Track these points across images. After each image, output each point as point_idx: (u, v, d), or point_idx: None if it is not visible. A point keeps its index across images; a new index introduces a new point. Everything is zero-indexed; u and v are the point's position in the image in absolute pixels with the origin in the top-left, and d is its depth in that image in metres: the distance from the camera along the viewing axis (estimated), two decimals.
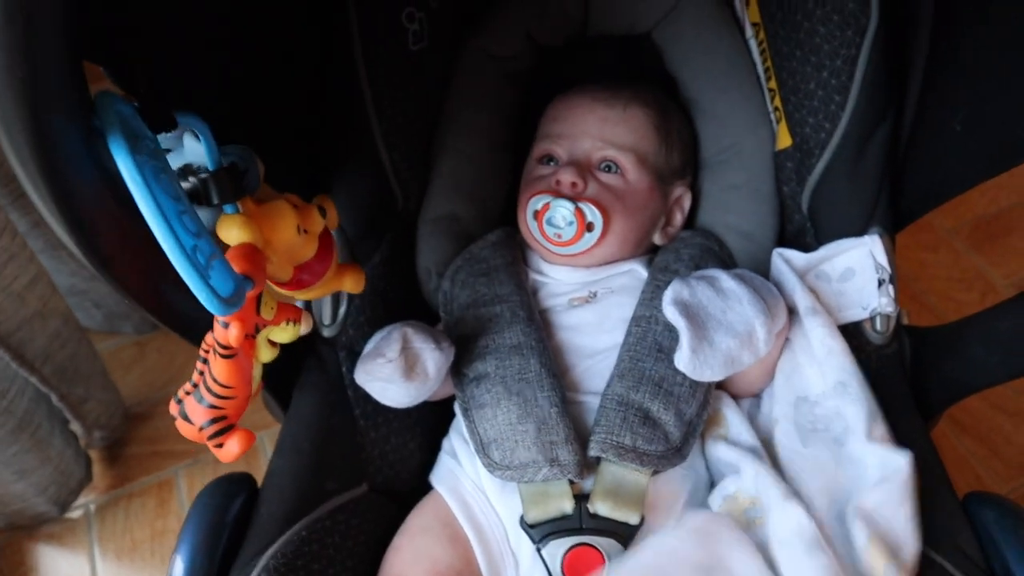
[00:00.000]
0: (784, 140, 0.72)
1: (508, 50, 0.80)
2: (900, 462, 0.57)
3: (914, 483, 0.57)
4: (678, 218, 0.77)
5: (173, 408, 0.50)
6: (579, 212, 0.68)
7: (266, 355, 0.54)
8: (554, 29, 0.80)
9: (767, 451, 0.63)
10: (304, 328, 0.56)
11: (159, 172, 0.39)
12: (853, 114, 0.65)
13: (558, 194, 0.69)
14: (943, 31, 0.64)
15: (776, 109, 0.73)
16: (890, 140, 0.66)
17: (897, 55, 0.64)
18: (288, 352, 0.60)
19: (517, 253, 0.75)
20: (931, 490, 0.61)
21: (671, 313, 0.60)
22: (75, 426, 1.06)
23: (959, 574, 0.56)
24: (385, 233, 0.75)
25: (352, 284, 0.60)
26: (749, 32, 0.75)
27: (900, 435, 0.64)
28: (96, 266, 0.44)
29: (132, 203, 0.43)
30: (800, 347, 0.65)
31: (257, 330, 0.51)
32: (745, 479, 0.60)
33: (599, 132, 0.72)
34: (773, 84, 0.72)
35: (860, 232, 0.68)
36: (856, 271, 0.67)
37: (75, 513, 1.09)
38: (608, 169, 0.72)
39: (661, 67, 0.81)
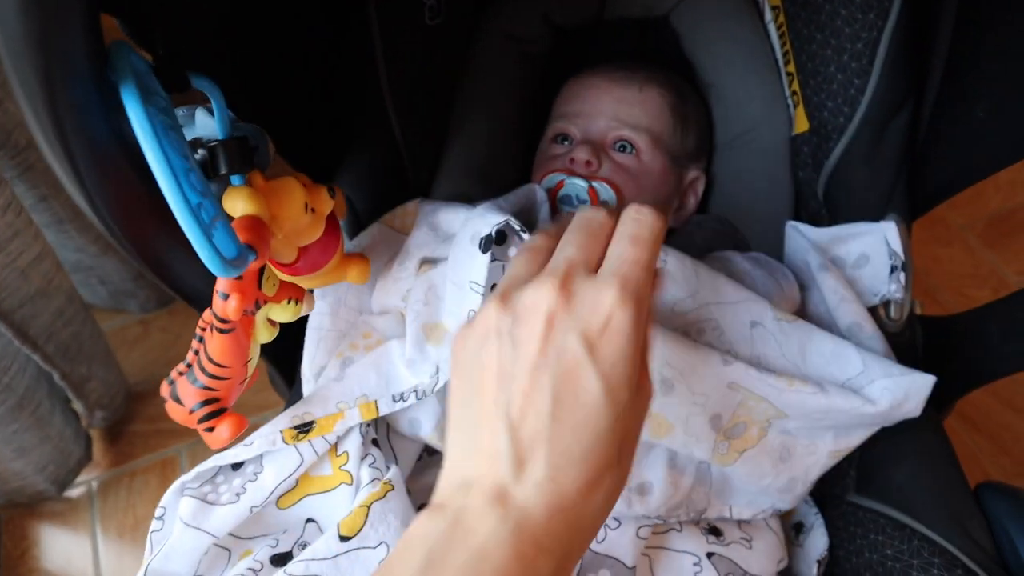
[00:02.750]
0: (801, 124, 0.71)
1: (525, 31, 0.79)
2: (927, 378, 0.55)
3: (919, 408, 0.55)
4: (692, 201, 0.76)
5: (164, 389, 0.49)
6: (592, 191, 0.68)
7: (265, 335, 0.53)
8: (571, 11, 0.80)
9: None
10: (306, 308, 0.55)
11: (168, 128, 0.39)
12: (872, 99, 0.64)
13: (572, 172, 0.69)
14: (968, 17, 0.63)
15: (794, 93, 0.72)
16: (910, 126, 0.65)
17: (919, 40, 0.63)
18: (296, 329, 0.60)
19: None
20: (943, 478, 0.61)
21: None
22: (76, 405, 1.06)
23: (969, 562, 0.55)
24: (396, 209, 0.74)
25: (357, 275, 0.59)
26: (768, 16, 0.75)
27: (912, 425, 0.64)
28: (104, 225, 0.43)
29: (143, 161, 0.43)
30: (814, 304, 0.65)
31: (257, 307, 0.50)
32: None
33: (614, 112, 0.72)
34: (791, 68, 0.71)
35: (876, 218, 0.67)
36: (871, 257, 0.66)
37: (77, 490, 1.09)
38: (623, 149, 0.71)
39: (678, 50, 0.80)
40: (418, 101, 0.72)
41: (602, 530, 0.58)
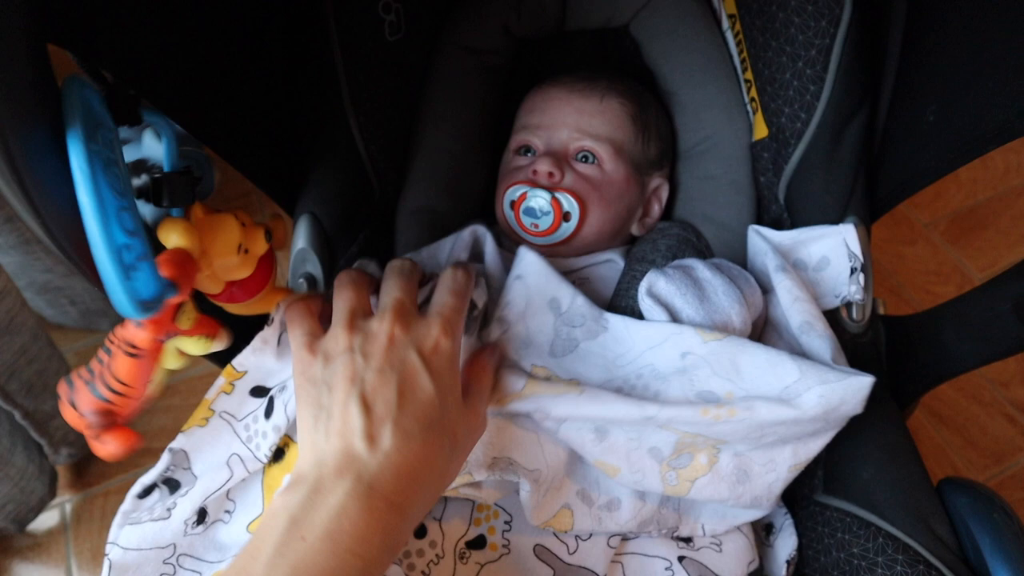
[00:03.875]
0: (760, 131, 0.72)
1: (485, 44, 0.80)
2: (863, 380, 0.54)
3: (860, 408, 0.55)
4: (656, 209, 0.77)
5: (62, 389, 0.48)
6: (556, 202, 0.68)
7: (173, 363, 0.52)
8: (531, 22, 0.81)
9: None
10: (219, 345, 0.54)
11: (110, 163, 0.39)
12: (828, 104, 0.65)
13: (535, 184, 0.70)
14: (917, 23, 0.64)
15: (752, 100, 0.73)
16: (865, 130, 0.67)
17: (872, 46, 0.65)
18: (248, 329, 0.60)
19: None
20: (906, 475, 0.62)
21: (645, 305, 0.60)
22: (41, 442, 1.03)
23: (932, 557, 0.56)
24: (362, 225, 0.74)
25: None
26: (725, 24, 0.76)
27: (875, 422, 0.65)
28: (63, 252, 0.43)
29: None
30: (774, 307, 0.65)
31: (168, 336, 0.49)
32: None
33: (576, 122, 0.72)
34: (749, 75, 0.72)
35: (836, 221, 0.68)
36: (831, 260, 0.67)
37: (51, 513, 1.08)
38: (585, 159, 0.72)
39: (639, 60, 0.81)
40: (381, 116, 0.73)
41: (574, 541, 0.58)
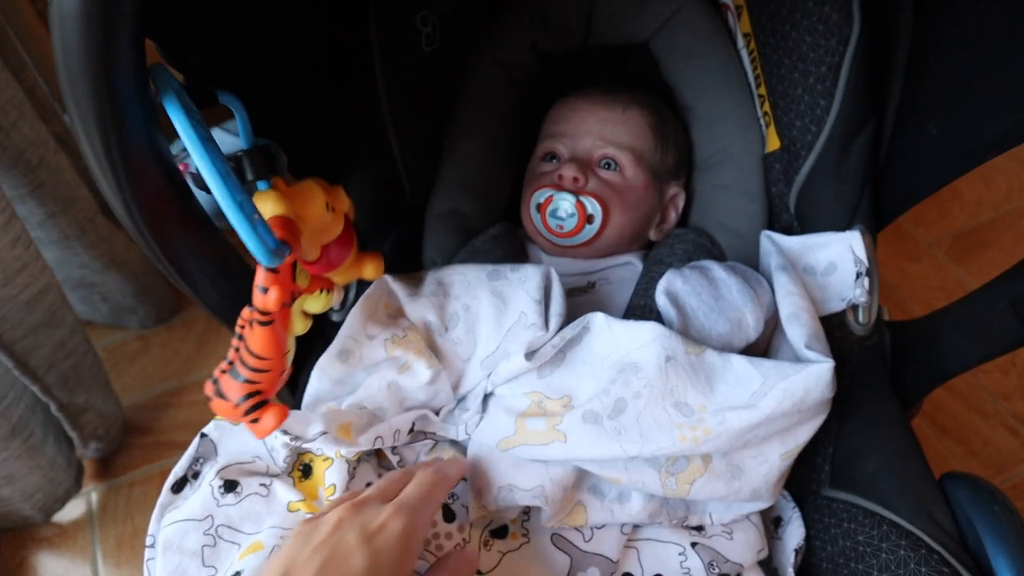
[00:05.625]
0: (773, 143, 0.76)
1: (514, 58, 0.84)
2: (821, 367, 0.57)
3: (828, 392, 0.58)
4: (672, 216, 0.81)
5: (208, 388, 0.51)
6: (580, 205, 0.72)
7: (300, 326, 0.56)
8: (557, 39, 0.85)
9: None
10: (336, 298, 0.58)
11: (206, 138, 0.43)
12: (837, 117, 0.68)
13: (561, 188, 0.74)
14: (921, 43, 0.68)
15: (765, 114, 0.77)
16: (872, 143, 0.70)
17: (878, 63, 0.68)
18: (297, 337, 0.64)
19: (517, 246, 0.79)
20: (909, 469, 0.65)
21: (662, 302, 0.64)
22: (72, 435, 1.05)
23: (933, 543, 0.58)
24: (394, 226, 0.78)
25: (372, 271, 0.63)
26: (741, 42, 0.80)
27: (880, 420, 0.68)
28: (135, 228, 0.47)
29: (174, 172, 0.47)
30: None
31: (292, 299, 0.52)
32: None
33: (599, 131, 0.76)
34: (763, 90, 0.76)
35: (843, 229, 0.71)
36: (838, 265, 0.71)
37: (76, 502, 1.10)
38: (608, 166, 0.76)
39: (658, 75, 0.85)
40: (415, 123, 0.77)
41: (589, 530, 0.61)
